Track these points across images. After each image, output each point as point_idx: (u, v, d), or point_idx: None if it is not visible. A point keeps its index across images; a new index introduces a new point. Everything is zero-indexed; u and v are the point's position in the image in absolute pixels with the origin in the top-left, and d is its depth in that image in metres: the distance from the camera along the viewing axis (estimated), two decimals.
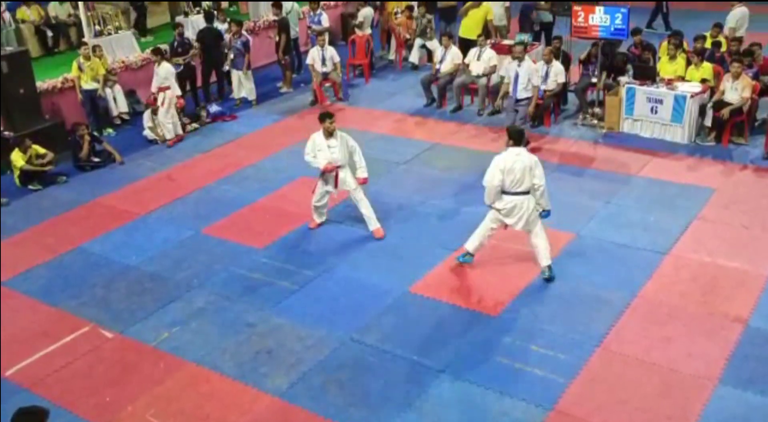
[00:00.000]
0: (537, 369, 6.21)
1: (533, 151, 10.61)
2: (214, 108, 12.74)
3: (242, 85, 13.09)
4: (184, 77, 12.75)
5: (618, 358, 6.33)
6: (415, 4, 14.84)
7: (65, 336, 6.96)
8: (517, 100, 10.44)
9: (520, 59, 10.38)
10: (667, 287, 7.26)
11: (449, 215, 8.86)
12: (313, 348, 6.61)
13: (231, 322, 7.05)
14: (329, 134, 8.14)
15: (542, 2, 13.98)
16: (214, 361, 6.51)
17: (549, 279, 7.36)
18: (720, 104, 10.33)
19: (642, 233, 8.22)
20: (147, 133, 11.68)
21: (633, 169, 9.89)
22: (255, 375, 6.30)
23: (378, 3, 15.73)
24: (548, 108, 11.46)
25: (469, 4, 13.49)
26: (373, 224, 8.40)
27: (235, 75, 13.03)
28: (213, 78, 13.33)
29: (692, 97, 10.45)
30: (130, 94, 12.61)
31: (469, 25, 13.38)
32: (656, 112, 10.68)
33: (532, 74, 10.39)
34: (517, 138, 7.17)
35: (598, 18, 10.85)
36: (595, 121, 11.42)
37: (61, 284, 7.84)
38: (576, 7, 11.13)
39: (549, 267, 7.37)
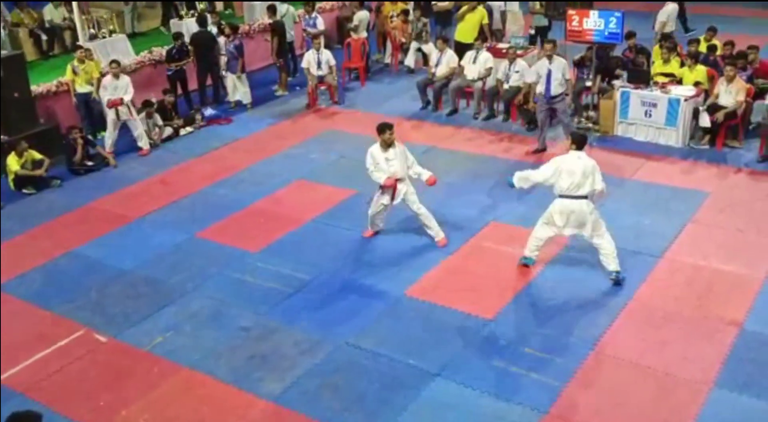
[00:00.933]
0: (533, 373, 6.20)
1: (528, 153, 10.67)
2: (209, 111, 12.75)
3: (237, 89, 13.08)
4: (174, 79, 12.81)
5: (613, 362, 6.34)
6: (410, 7, 14.86)
7: (60, 340, 6.93)
8: (553, 97, 10.29)
9: (550, 57, 10.24)
10: (662, 290, 7.27)
11: (445, 218, 8.82)
12: (307, 352, 6.60)
13: (225, 326, 7.03)
14: (387, 146, 7.91)
15: (537, 6, 14.02)
16: (208, 366, 6.49)
17: (617, 283, 7.32)
18: (714, 108, 10.35)
19: (637, 236, 8.22)
20: None
21: (627, 173, 9.90)
22: (249, 380, 6.28)
23: (373, 6, 15.75)
24: None
25: (464, 8, 13.52)
26: (437, 234, 8.22)
27: (230, 78, 13.02)
28: (209, 81, 13.33)
29: (686, 100, 10.48)
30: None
31: (465, 29, 13.40)
32: (650, 116, 10.69)
33: (565, 70, 10.30)
34: (579, 141, 7.27)
35: (593, 22, 10.89)
36: (590, 125, 11.43)
37: (56, 288, 7.81)
38: (570, 11, 11.16)
39: (617, 272, 7.30)
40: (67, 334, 7.01)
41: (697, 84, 10.85)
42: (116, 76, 11.10)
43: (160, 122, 11.80)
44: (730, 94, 10.26)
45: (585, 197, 7.15)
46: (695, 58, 11.20)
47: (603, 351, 6.45)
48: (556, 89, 10.28)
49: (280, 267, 7.98)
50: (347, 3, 16.42)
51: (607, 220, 8.44)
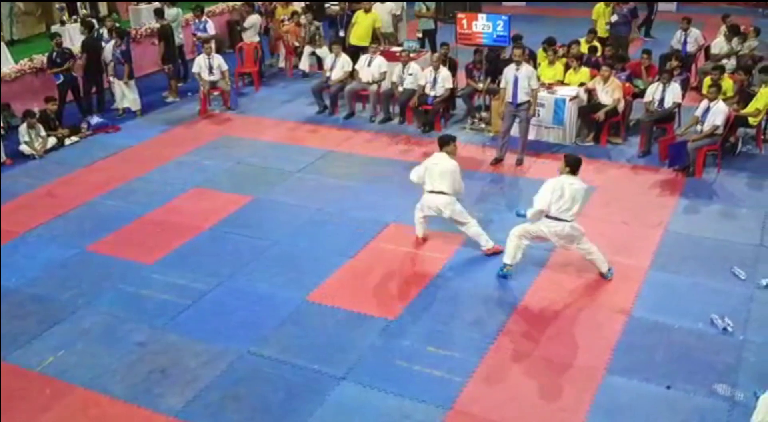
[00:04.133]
0: (435, 370, 6.30)
1: (425, 155, 10.83)
2: (95, 120, 12.25)
3: (125, 95, 12.66)
4: (65, 87, 12.27)
5: (512, 355, 6.52)
6: (300, 10, 14.82)
7: None
8: (519, 105, 10.16)
9: (518, 64, 10.06)
10: (556, 283, 7.54)
11: (345, 222, 8.86)
12: (209, 364, 6.45)
13: (120, 342, 6.78)
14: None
15: (424, 10, 14.31)
16: (103, 384, 6.23)
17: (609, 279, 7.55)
18: (596, 107, 10.83)
19: None
20: (24, 147, 11.10)
21: (520, 171, 10.23)
22: (148, 396, 6.08)
23: (264, 10, 15.60)
24: (438, 113, 11.70)
25: (358, 12, 13.59)
26: (484, 242, 8.01)
27: (117, 84, 12.59)
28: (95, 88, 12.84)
29: (571, 100, 10.93)
30: (4, 108, 11.93)
31: (358, 33, 13.49)
32: (539, 115, 11.08)
33: (531, 77, 10.17)
34: (574, 166, 7.27)
35: (481, 25, 11.17)
36: (483, 125, 11.74)
37: None
38: (460, 15, 11.43)
39: (609, 270, 7.55)
40: None
41: (582, 84, 11.34)
42: None
43: (43, 132, 11.27)
44: (608, 93, 10.78)
45: (570, 221, 7.26)
46: (579, 59, 11.70)
47: (502, 345, 6.62)
48: (522, 97, 10.13)
49: (177, 278, 7.77)
50: (237, 7, 16.21)
51: (503, 219, 8.73)
